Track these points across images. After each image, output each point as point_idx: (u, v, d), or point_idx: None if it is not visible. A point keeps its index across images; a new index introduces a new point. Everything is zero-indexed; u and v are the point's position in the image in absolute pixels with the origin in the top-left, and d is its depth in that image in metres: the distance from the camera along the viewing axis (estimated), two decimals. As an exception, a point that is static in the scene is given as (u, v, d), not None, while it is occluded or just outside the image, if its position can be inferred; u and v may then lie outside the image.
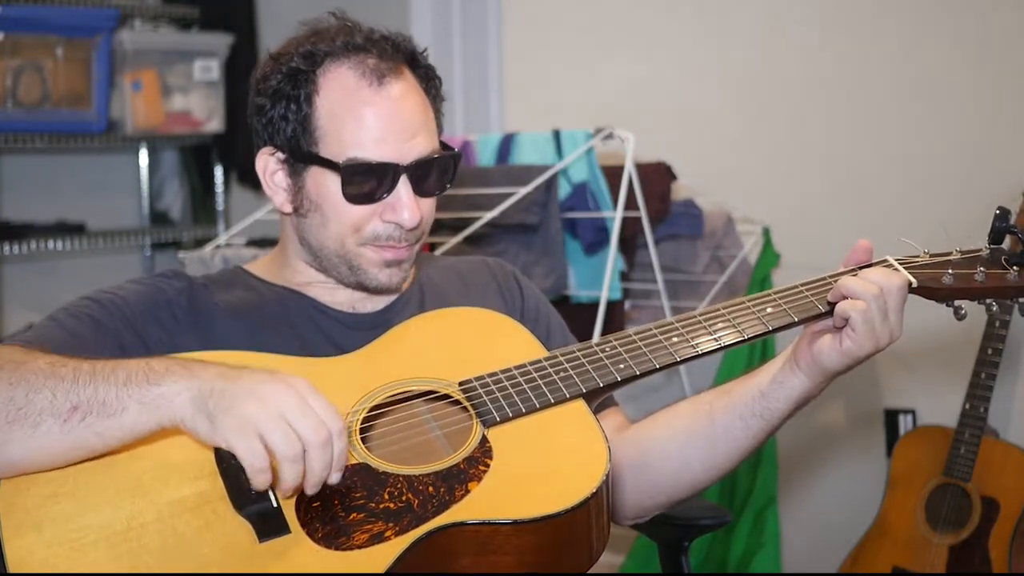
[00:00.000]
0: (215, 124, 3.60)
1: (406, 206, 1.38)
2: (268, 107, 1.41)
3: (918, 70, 2.85)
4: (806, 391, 1.34)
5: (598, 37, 3.26)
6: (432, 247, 2.40)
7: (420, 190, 1.41)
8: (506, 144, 2.58)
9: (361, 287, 1.45)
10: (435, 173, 1.42)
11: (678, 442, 1.40)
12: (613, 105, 3.14)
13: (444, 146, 1.45)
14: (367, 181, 1.37)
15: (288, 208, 1.45)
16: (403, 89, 1.40)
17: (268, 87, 1.41)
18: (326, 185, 1.39)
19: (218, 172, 3.81)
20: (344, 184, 1.37)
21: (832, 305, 1.31)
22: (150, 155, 3.85)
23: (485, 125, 3.36)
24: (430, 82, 1.47)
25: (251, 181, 3.80)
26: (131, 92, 3.41)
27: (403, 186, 1.38)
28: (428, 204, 1.44)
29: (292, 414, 1.11)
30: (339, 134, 1.37)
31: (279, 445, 1.10)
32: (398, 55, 1.42)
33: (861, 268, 1.34)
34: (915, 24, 2.85)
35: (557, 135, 2.49)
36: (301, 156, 1.40)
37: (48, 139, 3.27)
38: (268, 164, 1.44)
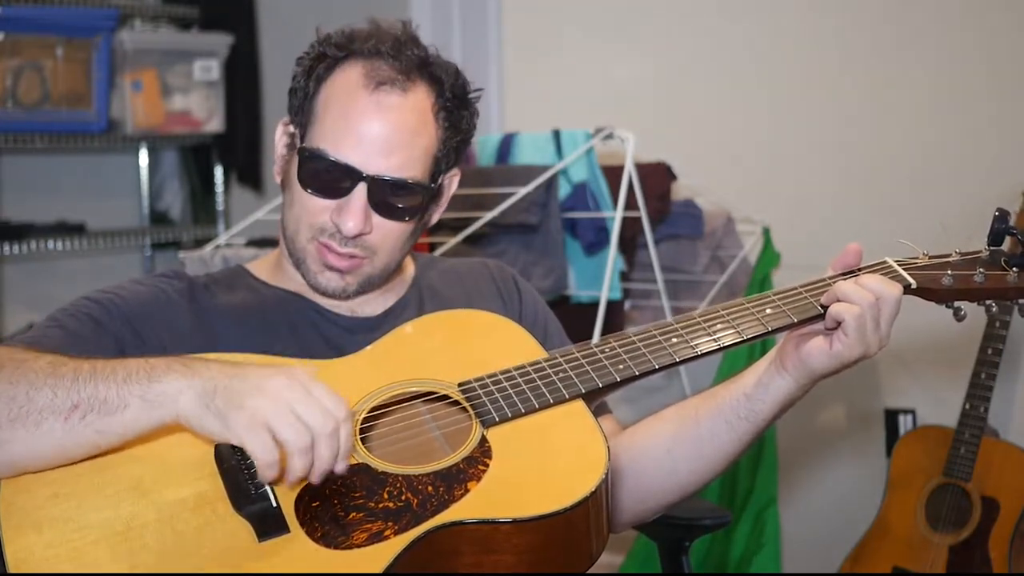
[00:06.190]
0: (215, 124, 3.60)
1: (351, 214, 1.35)
2: (295, 79, 1.44)
3: (918, 71, 2.86)
4: (791, 392, 1.33)
5: (598, 37, 3.26)
6: (432, 247, 2.40)
7: (379, 208, 1.37)
8: (506, 144, 2.58)
9: (306, 282, 1.44)
10: (398, 199, 1.37)
11: (665, 447, 1.40)
12: (613, 105, 3.13)
13: (427, 184, 1.40)
14: (322, 175, 1.37)
15: (278, 177, 1.47)
16: (399, 102, 1.36)
17: (301, 62, 1.44)
18: (295, 167, 1.40)
19: (218, 172, 3.81)
20: (299, 168, 1.38)
21: (825, 307, 1.31)
22: (150, 155, 3.85)
23: (485, 125, 3.36)
24: (452, 113, 1.41)
25: (251, 181, 3.80)
26: (131, 92, 3.41)
27: (358, 193, 1.36)
28: (387, 228, 1.39)
29: (300, 406, 1.11)
30: (321, 123, 1.38)
31: (290, 438, 1.10)
32: (416, 72, 1.38)
33: (860, 271, 1.33)
34: (915, 24, 2.85)
35: (557, 135, 2.49)
36: (296, 133, 1.43)
37: (48, 139, 3.27)
38: (281, 133, 1.47)
